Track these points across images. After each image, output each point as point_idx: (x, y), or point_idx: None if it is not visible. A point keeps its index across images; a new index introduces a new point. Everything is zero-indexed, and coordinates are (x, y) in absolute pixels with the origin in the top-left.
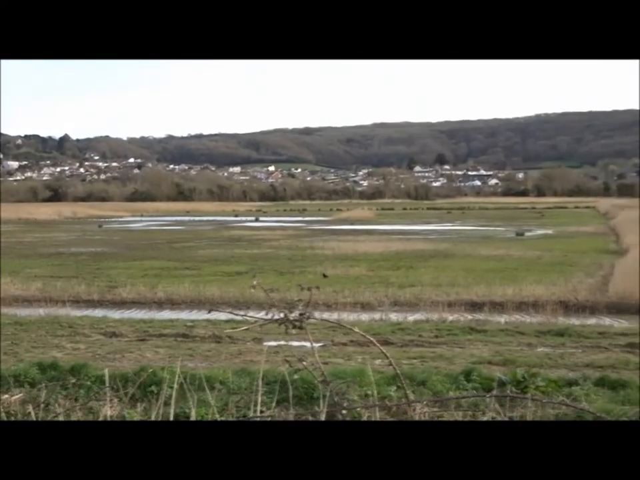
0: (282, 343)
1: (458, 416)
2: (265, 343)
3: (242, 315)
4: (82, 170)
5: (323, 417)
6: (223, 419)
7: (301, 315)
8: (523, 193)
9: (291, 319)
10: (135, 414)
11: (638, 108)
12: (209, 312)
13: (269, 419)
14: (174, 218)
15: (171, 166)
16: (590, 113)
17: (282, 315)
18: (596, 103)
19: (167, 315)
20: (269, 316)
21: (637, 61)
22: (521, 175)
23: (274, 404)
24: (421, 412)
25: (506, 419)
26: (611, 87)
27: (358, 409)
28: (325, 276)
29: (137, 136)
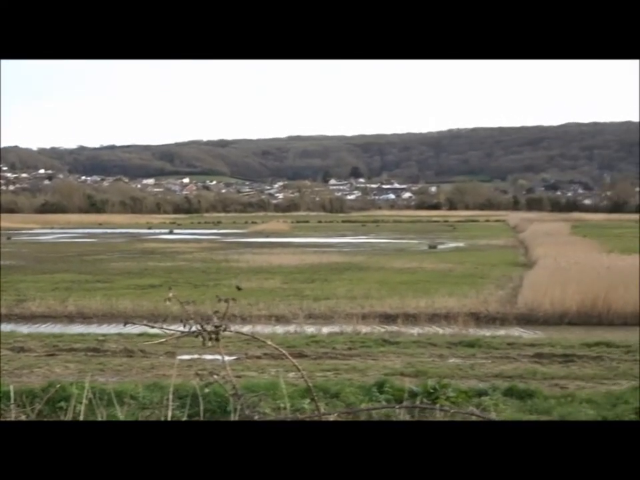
0: (195, 356)
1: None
2: (178, 357)
3: (159, 327)
4: None
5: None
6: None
7: (216, 327)
8: (436, 207)
9: (208, 330)
10: None
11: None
12: (125, 325)
13: None
14: (86, 230)
15: (83, 177)
16: (500, 128)
17: (198, 327)
18: (505, 118)
19: (78, 329)
20: (186, 328)
21: (637, 61)
22: (433, 189)
23: (184, 418)
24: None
25: None
26: (519, 102)
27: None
28: (238, 288)
29: (48, 146)
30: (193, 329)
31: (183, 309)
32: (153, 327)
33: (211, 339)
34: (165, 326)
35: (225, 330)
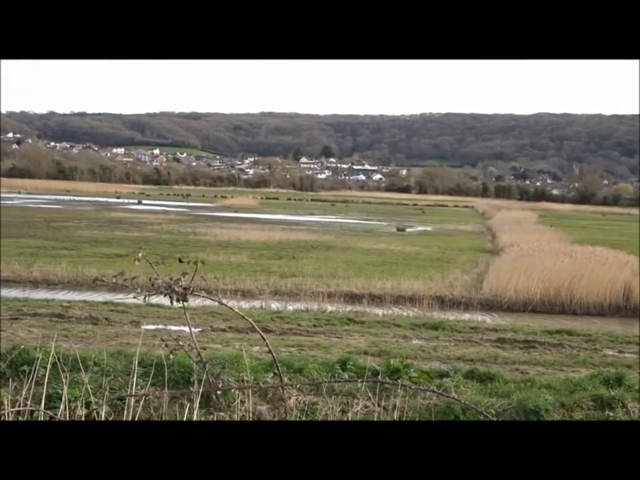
0: (160, 326)
1: (332, 402)
2: (143, 326)
3: (130, 286)
4: None
5: (197, 398)
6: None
7: (184, 289)
8: (406, 190)
9: (176, 290)
10: (5, 392)
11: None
12: (94, 281)
13: (144, 398)
14: (53, 197)
15: (52, 143)
16: (472, 114)
17: (166, 288)
18: (478, 105)
19: (42, 294)
20: (154, 288)
21: (637, 61)
22: (404, 172)
23: (149, 385)
24: (296, 398)
25: (377, 407)
26: (493, 90)
27: (232, 391)
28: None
29: (17, 110)
30: (163, 289)
31: (153, 269)
32: (123, 286)
33: (178, 299)
34: (135, 288)
35: (192, 292)
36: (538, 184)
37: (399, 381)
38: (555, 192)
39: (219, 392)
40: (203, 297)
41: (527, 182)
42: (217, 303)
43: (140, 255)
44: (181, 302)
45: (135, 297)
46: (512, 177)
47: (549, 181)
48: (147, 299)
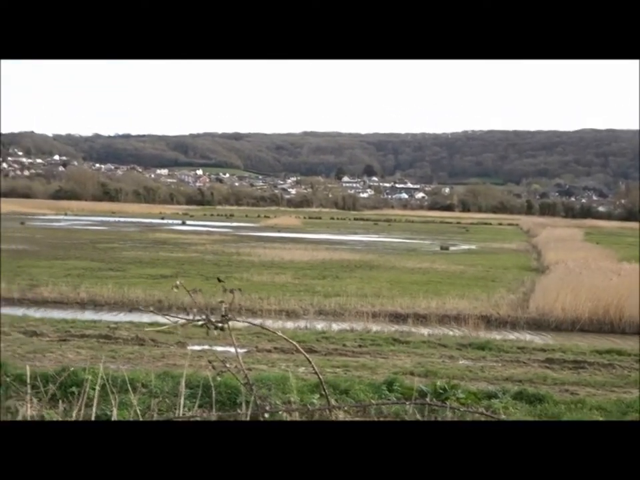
0: (206, 347)
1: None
2: (189, 347)
3: (163, 314)
4: (5, 165)
5: (246, 420)
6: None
7: (222, 316)
8: (449, 208)
9: (213, 320)
10: (55, 414)
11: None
12: (130, 310)
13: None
14: (99, 218)
15: (97, 165)
16: (515, 131)
17: (203, 316)
18: (520, 122)
19: (89, 316)
20: (191, 316)
21: (637, 61)
22: (447, 190)
23: (196, 407)
24: (343, 419)
25: None
26: (535, 106)
27: (280, 413)
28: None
29: (63, 133)
30: (199, 318)
31: (191, 297)
32: (157, 314)
33: (216, 328)
34: (172, 314)
35: (230, 320)
36: (583, 201)
37: (446, 402)
38: (601, 209)
39: (266, 415)
40: (244, 321)
41: (572, 199)
42: (261, 323)
43: (177, 282)
44: (219, 331)
45: (167, 327)
46: (557, 194)
47: (594, 197)
48: (182, 328)
